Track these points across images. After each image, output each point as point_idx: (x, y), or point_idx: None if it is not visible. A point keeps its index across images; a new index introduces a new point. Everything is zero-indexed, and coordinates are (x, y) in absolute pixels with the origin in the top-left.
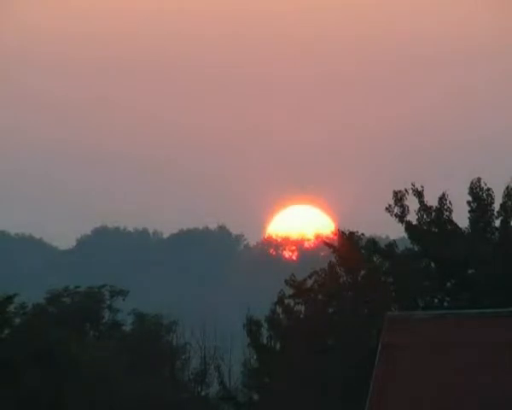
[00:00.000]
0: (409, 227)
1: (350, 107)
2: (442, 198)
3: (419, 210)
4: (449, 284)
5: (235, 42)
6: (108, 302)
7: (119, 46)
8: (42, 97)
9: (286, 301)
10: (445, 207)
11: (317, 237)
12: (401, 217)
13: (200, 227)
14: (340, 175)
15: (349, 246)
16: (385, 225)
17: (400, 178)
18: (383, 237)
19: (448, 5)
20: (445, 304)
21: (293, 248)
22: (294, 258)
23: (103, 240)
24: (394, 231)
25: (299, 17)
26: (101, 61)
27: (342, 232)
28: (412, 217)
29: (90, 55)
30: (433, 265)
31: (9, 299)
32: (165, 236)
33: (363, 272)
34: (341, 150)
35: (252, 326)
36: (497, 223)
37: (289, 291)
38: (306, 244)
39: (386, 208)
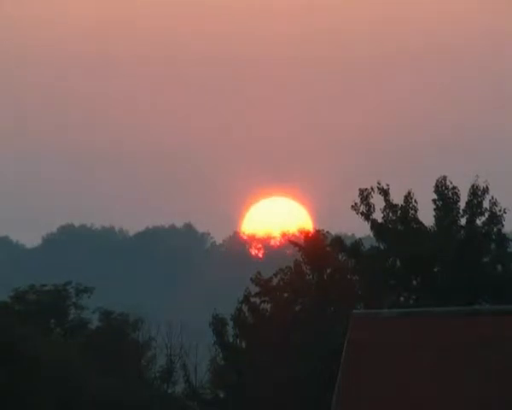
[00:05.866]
0: (374, 225)
1: (324, 105)
2: (407, 196)
3: (385, 208)
4: (414, 283)
5: (210, 37)
6: (74, 300)
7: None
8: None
9: (252, 299)
10: (411, 205)
11: (284, 234)
12: (367, 215)
13: (167, 225)
14: (311, 172)
15: (315, 244)
16: (351, 223)
17: (367, 177)
18: (349, 234)
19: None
20: (411, 302)
21: (260, 245)
22: (261, 256)
23: (69, 238)
24: (360, 229)
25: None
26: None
27: (308, 230)
28: (378, 215)
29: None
30: (398, 263)
31: None
32: (131, 233)
33: (328, 271)
34: (313, 148)
35: (217, 324)
36: (463, 221)
37: (255, 289)
38: (272, 242)
39: (352, 206)
